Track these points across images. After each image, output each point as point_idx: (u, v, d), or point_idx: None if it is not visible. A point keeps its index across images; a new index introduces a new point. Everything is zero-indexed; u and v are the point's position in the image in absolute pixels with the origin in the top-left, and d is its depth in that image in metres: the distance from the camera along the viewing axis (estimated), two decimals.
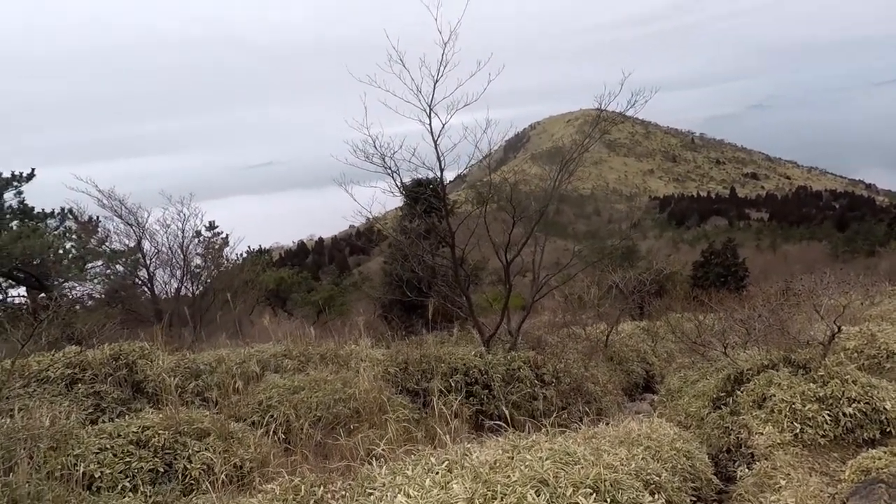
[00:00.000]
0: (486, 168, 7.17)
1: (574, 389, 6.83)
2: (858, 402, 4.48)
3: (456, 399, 5.98)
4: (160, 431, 4.01)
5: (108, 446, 3.79)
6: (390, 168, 6.04)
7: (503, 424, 3.87)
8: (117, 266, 9.09)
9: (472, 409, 6.02)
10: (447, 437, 3.38)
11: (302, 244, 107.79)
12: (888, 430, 4.44)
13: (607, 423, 4.47)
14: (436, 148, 5.74)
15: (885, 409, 4.49)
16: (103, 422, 4.43)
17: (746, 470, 4.26)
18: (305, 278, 17.12)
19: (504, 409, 5.59)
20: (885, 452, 3.76)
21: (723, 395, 5.53)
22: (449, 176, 6.61)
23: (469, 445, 2.94)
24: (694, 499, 3.83)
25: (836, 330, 5.12)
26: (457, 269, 6.51)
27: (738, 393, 5.23)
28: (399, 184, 6.14)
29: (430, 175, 6.38)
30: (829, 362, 4.92)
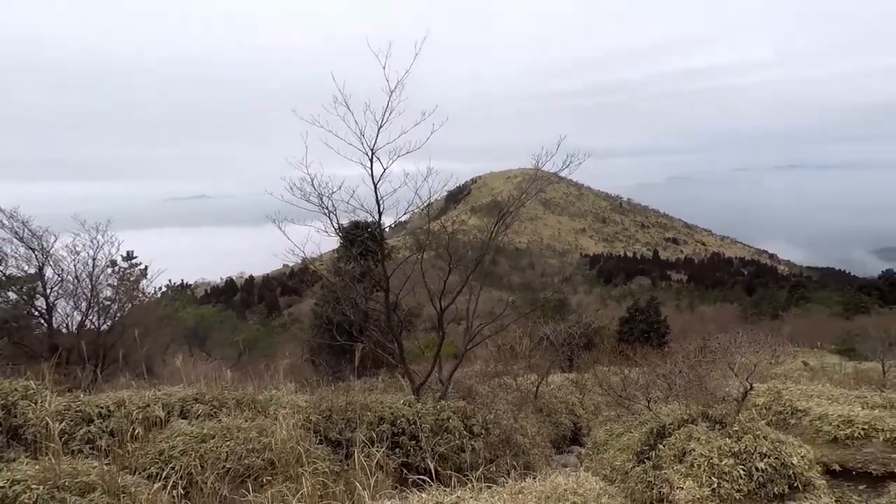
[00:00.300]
0: (426, 216, 7.21)
1: (503, 441, 6.71)
2: (769, 457, 4.67)
3: (380, 450, 5.71)
4: (33, 486, 3.48)
5: None
6: (327, 208, 5.92)
7: (427, 480, 3.66)
8: (9, 293, 8.14)
9: (397, 461, 5.75)
10: (366, 492, 3.15)
11: (230, 281, 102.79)
12: (795, 484, 4.64)
13: (534, 478, 4.37)
14: (375, 192, 5.70)
15: (792, 464, 4.71)
16: None
17: None
18: (229, 317, 16.16)
19: (430, 461, 5.37)
20: None
21: (646, 448, 5.61)
22: (388, 221, 6.57)
23: (390, 503, 2.74)
24: None
25: (749, 387, 5.39)
26: (389, 314, 6.36)
27: (661, 447, 5.32)
28: (336, 224, 6.00)
29: (369, 218, 6.29)
30: (742, 418, 5.14)
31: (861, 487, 5.16)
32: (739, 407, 5.38)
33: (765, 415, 7.01)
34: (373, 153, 5.46)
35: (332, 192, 5.75)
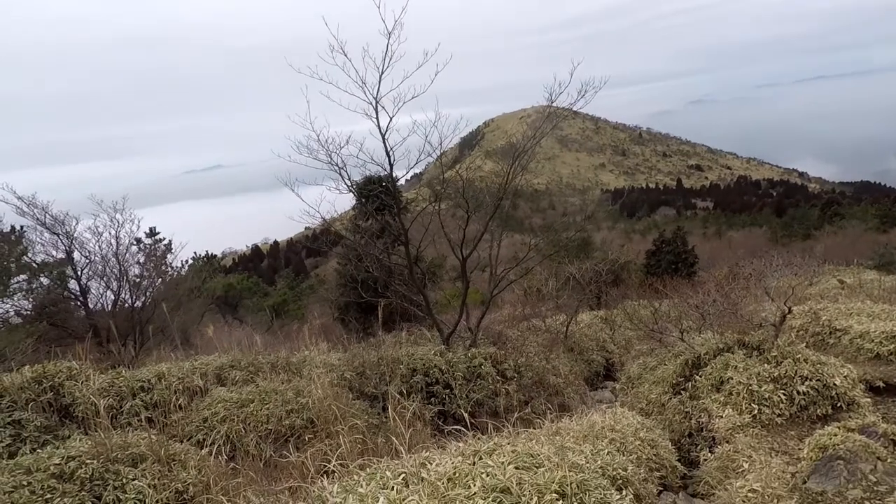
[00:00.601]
0: (440, 165, 6.99)
1: (536, 383, 6.76)
2: (810, 380, 4.57)
3: (416, 402, 5.81)
4: (87, 461, 3.61)
5: (25, 483, 3.37)
6: (337, 165, 5.75)
7: (463, 429, 3.67)
8: (41, 279, 8.34)
9: (433, 410, 5.85)
10: (403, 447, 3.17)
11: (256, 248, 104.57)
12: (839, 404, 4.55)
13: (570, 417, 4.37)
14: (384, 143, 5.49)
15: (834, 384, 4.60)
16: (23, 454, 3.97)
17: (709, 454, 4.26)
18: (256, 283, 16.40)
19: (464, 409, 5.43)
20: (840, 428, 3.81)
21: (681, 380, 5.57)
22: (400, 172, 6.37)
23: (427, 454, 2.74)
24: (660, 488, 3.78)
25: (787, 311, 5.23)
26: (412, 268, 6.30)
27: (697, 377, 5.27)
28: (348, 181, 5.85)
29: (381, 172, 6.12)
30: (781, 343, 5.01)
31: None
32: (777, 332, 5.24)
33: (802, 336, 6.87)
34: (377, 102, 5.22)
35: (340, 148, 5.57)
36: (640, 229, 65.97)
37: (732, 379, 4.79)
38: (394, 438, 3.49)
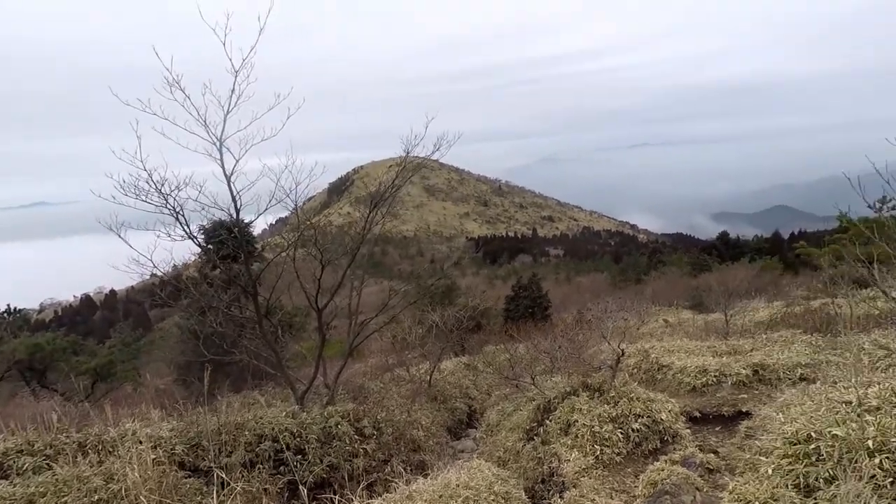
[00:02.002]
0: (296, 212, 6.66)
1: (397, 439, 6.51)
2: (642, 417, 4.98)
3: (263, 472, 5.21)
4: None
5: None
6: (174, 208, 5.16)
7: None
8: None
9: (282, 481, 5.29)
10: None
11: (87, 299, 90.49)
12: (666, 438, 5.00)
13: (426, 476, 4.20)
14: (229, 186, 5.07)
15: (661, 419, 5.07)
16: None
17: (559, 500, 4.35)
18: (73, 342, 13.84)
19: (319, 475, 4.98)
20: (666, 462, 4.15)
21: (535, 425, 5.74)
22: (249, 217, 5.92)
23: None
24: None
25: (621, 353, 5.71)
26: (261, 321, 5.78)
27: (548, 422, 5.46)
28: (186, 227, 5.26)
29: (227, 217, 5.62)
30: (617, 383, 5.43)
31: (717, 429, 5.72)
32: (614, 372, 5.68)
33: (636, 374, 7.58)
34: (221, 143, 4.83)
35: (178, 190, 5.01)
36: (501, 275, 70.01)
37: (578, 421, 5.04)
38: None
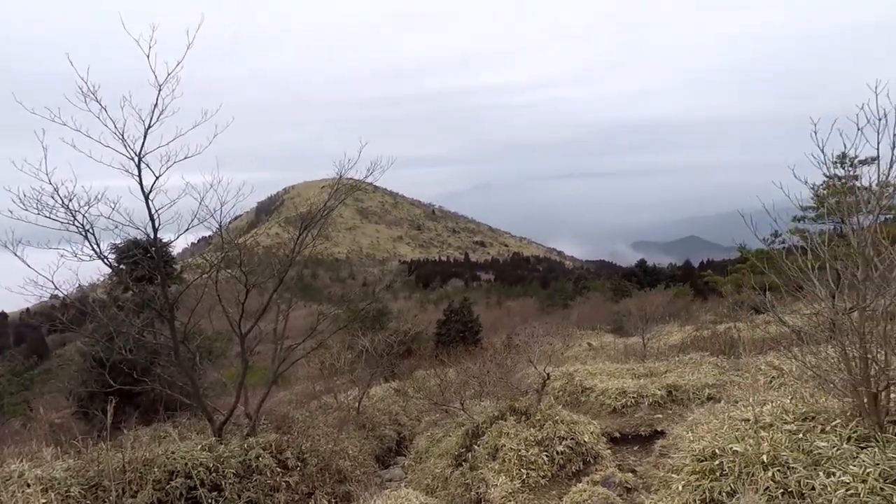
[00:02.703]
0: (234, 231, 6.39)
1: (322, 469, 6.26)
2: (566, 440, 5.14)
3: None
4: None
5: None
6: (82, 226, 4.78)
7: None
8: None
9: None
10: None
11: None
12: (588, 459, 5.18)
13: None
14: (147, 204, 4.78)
15: (584, 441, 5.25)
16: None
17: None
18: None
19: None
20: (588, 483, 4.29)
21: (463, 450, 5.74)
22: (170, 236, 5.60)
23: None
24: None
25: (547, 377, 5.88)
26: (177, 347, 5.42)
27: (476, 447, 5.49)
28: (95, 245, 4.89)
29: (143, 236, 5.28)
30: (543, 406, 5.58)
31: (635, 448, 6.00)
32: (540, 396, 5.83)
33: (561, 396, 7.82)
34: (140, 159, 4.57)
35: (88, 207, 4.66)
36: (433, 299, 70.15)
37: (505, 446, 5.11)
38: None
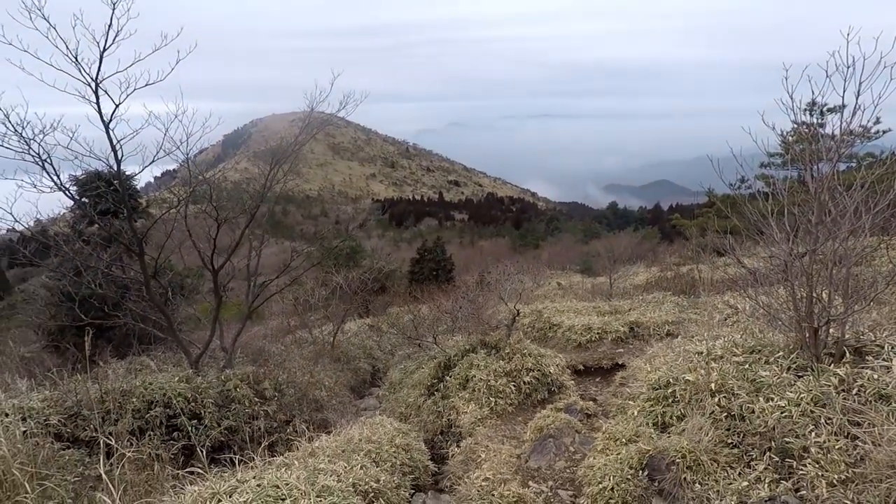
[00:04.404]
0: (200, 164, 6.18)
1: (299, 399, 6.50)
2: (533, 371, 5.43)
3: (154, 439, 4.97)
4: None
5: None
6: (38, 155, 4.57)
7: (199, 470, 3.24)
8: None
9: (177, 446, 5.09)
10: (118, 495, 2.63)
11: None
12: (553, 389, 5.51)
13: (329, 433, 4.30)
14: (108, 133, 4.57)
15: (550, 372, 5.56)
16: None
17: (456, 448, 4.67)
18: None
19: (217, 439, 4.86)
20: (552, 410, 4.60)
21: (435, 381, 6.02)
22: (134, 169, 5.40)
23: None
24: (413, 490, 3.96)
25: (517, 313, 6.11)
26: (148, 282, 5.39)
27: (448, 378, 5.76)
28: (55, 177, 4.70)
29: (104, 168, 5.08)
30: (512, 341, 5.83)
31: (597, 380, 6.39)
32: (510, 331, 6.08)
33: (530, 332, 8.17)
34: (97, 85, 4.32)
35: (44, 135, 4.44)
36: (407, 238, 70.33)
37: (476, 377, 5.38)
38: (104, 497, 2.86)
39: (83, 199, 7.23)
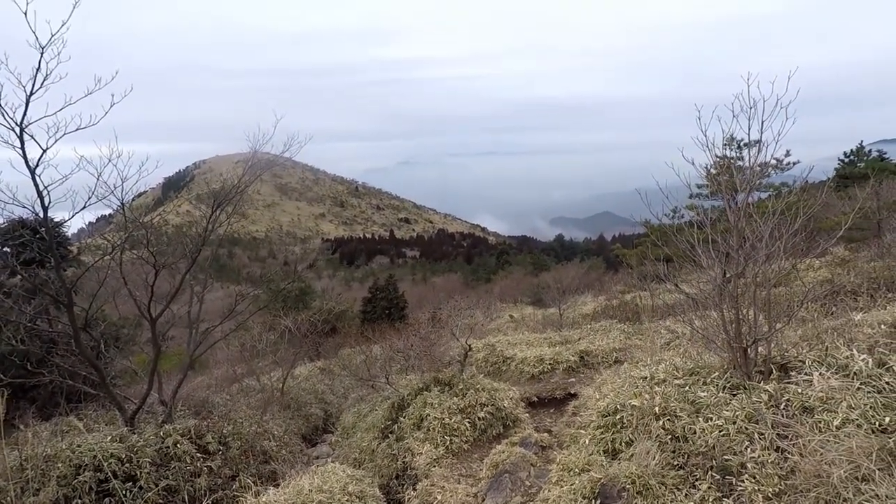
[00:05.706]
0: (138, 208, 5.94)
1: (245, 452, 6.17)
2: (487, 406, 5.42)
3: None
4: None
5: None
6: None
7: None
8: None
9: None
10: None
11: None
12: (508, 423, 5.50)
13: (278, 485, 4.09)
14: (34, 179, 4.35)
15: (504, 406, 5.56)
16: None
17: (412, 492, 4.54)
18: None
19: (151, 501, 4.51)
20: (507, 445, 4.59)
21: (389, 423, 5.88)
22: (63, 215, 5.13)
23: None
24: None
25: (468, 349, 6.12)
26: (78, 335, 5.05)
27: (402, 419, 5.64)
28: None
29: (29, 215, 4.81)
30: (465, 376, 5.82)
31: (551, 411, 6.44)
32: (462, 367, 6.07)
33: (484, 367, 8.18)
34: (22, 129, 4.14)
35: None
36: (358, 277, 69.49)
37: (430, 415, 5.30)
38: None
39: (4, 249, 6.76)
